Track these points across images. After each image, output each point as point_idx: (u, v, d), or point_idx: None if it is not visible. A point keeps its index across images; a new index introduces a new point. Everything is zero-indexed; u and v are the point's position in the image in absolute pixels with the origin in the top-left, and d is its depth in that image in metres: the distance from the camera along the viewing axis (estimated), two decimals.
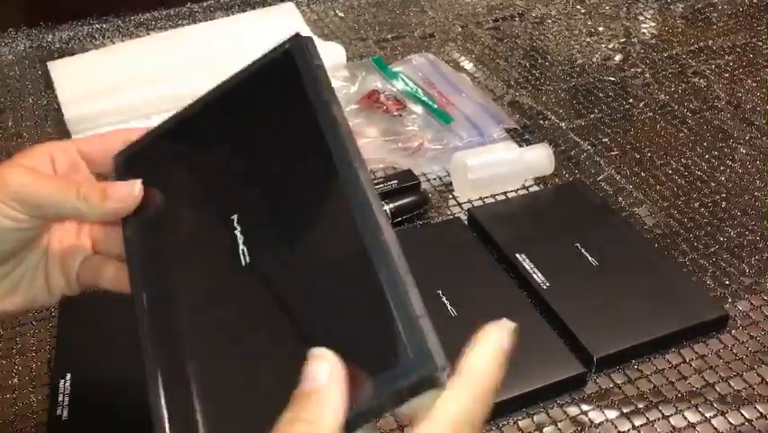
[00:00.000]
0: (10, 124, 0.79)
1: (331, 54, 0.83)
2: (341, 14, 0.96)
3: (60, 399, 0.48)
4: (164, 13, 0.95)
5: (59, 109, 0.78)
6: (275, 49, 0.37)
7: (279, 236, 0.33)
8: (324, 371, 0.27)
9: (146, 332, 0.34)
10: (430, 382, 0.27)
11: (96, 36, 0.92)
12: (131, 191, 0.37)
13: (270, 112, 0.36)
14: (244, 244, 0.33)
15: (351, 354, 0.27)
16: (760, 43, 0.89)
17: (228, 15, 0.95)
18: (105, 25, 0.93)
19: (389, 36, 0.92)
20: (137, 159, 0.39)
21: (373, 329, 0.28)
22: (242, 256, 0.33)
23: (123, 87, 0.78)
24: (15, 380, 0.52)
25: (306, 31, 0.90)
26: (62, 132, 0.76)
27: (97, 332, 0.53)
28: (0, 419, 0.49)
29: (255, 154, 0.36)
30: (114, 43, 0.90)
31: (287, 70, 0.36)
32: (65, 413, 0.47)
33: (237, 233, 0.34)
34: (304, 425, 0.26)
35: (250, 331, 0.32)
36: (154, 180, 0.38)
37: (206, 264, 0.35)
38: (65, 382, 0.49)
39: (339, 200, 0.31)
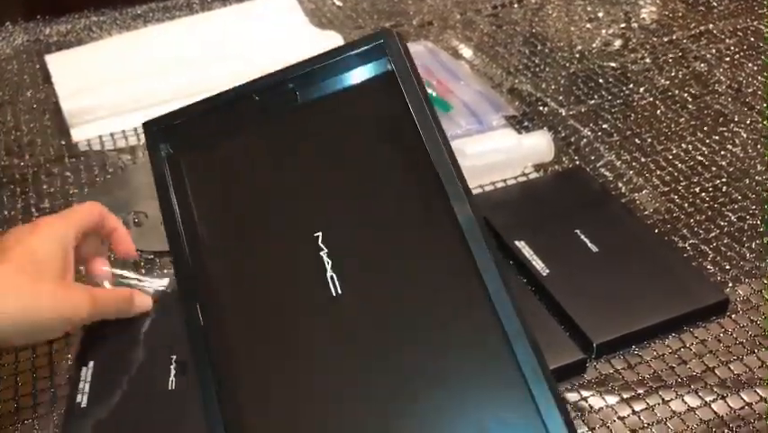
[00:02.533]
0: (9, 117, 0.79)
1: (329, 43, 0.83)
2: (339, 3, 0.95)
3: (81, 386, 0.48)
4: (161, 4, 0.95)
5: (57, 102, 0.78)
6: (360, 45, 0.33)
7: (376, 266, 0.29)
8: None
9: (204, 347, 0.32)
10: None
11: (94, 29, 0.92)
12: (148, 303, 0.52)
13: (361, 118, 0.32)
14: (333, 270, 0.29)
15: None
16: (761, 27, 0.89)
17: (226, 6, 0.94)
18: (102, 18, 0.93)
19: (388, 24, 0.91)
20: (175, 134, 0.36)
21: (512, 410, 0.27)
22: (331, 285, 0.29)
23: (121, 79, 0.78)
24: (19, 372, 0.52)
25: (303, 20, 0.89)
26: (61, 125, 0.76)
27: (123, 322, 0.53)
28: (4, 411, 0.50)
29: (340, 164, 0.32)
30: (111, 36, 0.90)
31: (379, 69, 0.32)
32: (84, 400, 0.47)
33: (323, 255, 0.30)
34: None
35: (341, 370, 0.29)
36: (202, 167, 0.35)
37: (288, 286, 0.31)
38: (87, 370, 0.49)
39: (450, 234, 0.29)
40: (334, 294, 0.29)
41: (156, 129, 0.37)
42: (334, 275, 0.29)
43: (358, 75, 0.34)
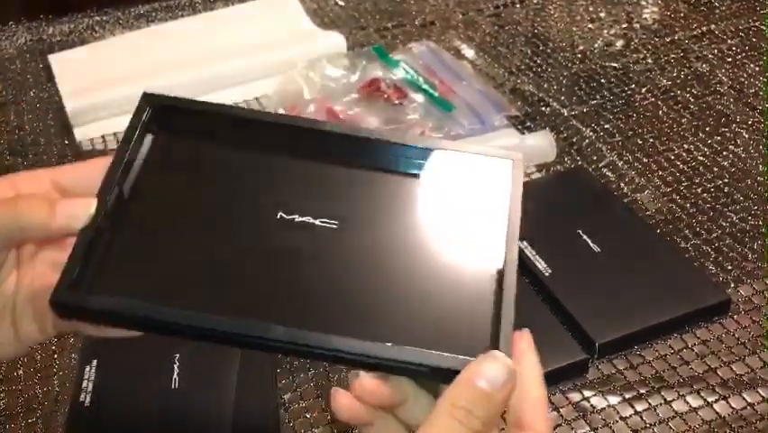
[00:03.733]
0: (12, 117, 0.79)
1: (331, 43, 0.83)
2: (341, 3, 0.96)
3: (85, 384, 0.48)
4: (164, 4, 0.95)
5: (60, 102, 0.78)
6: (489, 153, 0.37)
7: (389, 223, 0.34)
8: (502, 375, 0.29)
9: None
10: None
11: (97, 29, 0.92)
12: (85, 209, 0.32)
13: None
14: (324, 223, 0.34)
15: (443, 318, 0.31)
16: (763, 27, 0.89)
17: (228, 6, 0.94)
18: (105, 18, 0.93)
19: (390, 24, 0.91)
20: (171, 116, 0.37)
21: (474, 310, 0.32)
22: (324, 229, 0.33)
23: (125, 79, 0.78)
24: (21, 371, 0.52)
25: (305, 20, 0.89)
26: (64, 125, 0.76)
27: None
28: (7, 410, 0.50)
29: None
30: (114, 35, 0.90)
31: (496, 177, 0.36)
32: (88, 399, 0.48)
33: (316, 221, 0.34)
34: (473, 419, 0.28)
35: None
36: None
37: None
38: (91, 369, 0.49)
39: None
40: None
41: (155, 105, 0.37)
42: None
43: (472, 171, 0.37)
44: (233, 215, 0.35)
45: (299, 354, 0.31)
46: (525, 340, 0.32)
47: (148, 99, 0.37)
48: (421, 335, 0.31)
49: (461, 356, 0.30)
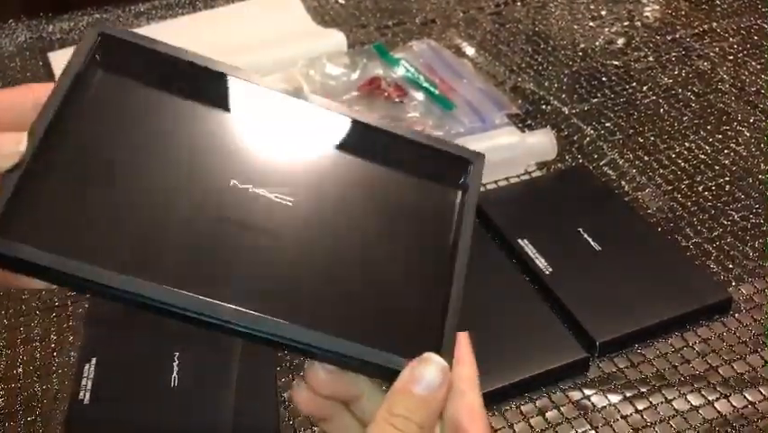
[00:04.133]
0: None
1: (331, 41, 0.83)
2: (341, 1, 0.95)
3: (84, 382, 0.48)
4: (164, 2, 0.95)
5: None
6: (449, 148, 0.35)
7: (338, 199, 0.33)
8: (437, 378, 0.29)
9: None
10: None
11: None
12: (14, 147, 0.28)
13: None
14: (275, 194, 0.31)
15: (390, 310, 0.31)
16: (765, 25, 0.88)
17: (229, 4, 0.94)
18: (104, 15, 0.93)
19: (390, 22, 0.91)
20: (121, 53, 0.33)
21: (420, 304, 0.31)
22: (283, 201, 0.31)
23: None
24: (20, 369, 0.52)
25: (306, 18, 0.89)
26: None
27: (125, 318, 0.52)
28: (6, 409, 0.50)
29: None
30: None
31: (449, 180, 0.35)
32: (87, 397, 0.47)
33: (258, 191, 0.31)
34: (411, 425, 0.28)
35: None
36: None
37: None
38: (90, 367, 0.49)
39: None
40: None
41: (107, 40, 0.33)
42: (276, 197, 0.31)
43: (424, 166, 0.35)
44: (181, 174, 0.31)
45: (233, 334, 0.29)
46: (464, 343, 0.31)
47: (100, 32, 0.33)
48: (365, 328, 0.30)
49: (398, 357, 0.29)
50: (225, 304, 0.28)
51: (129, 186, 0.31)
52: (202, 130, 0.33)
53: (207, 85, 0.34)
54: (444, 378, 0.29)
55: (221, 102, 0.34)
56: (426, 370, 0.29)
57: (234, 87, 0.34)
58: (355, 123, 0.34)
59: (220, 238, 0.30)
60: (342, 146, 0.34)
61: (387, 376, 0.29)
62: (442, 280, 0.32)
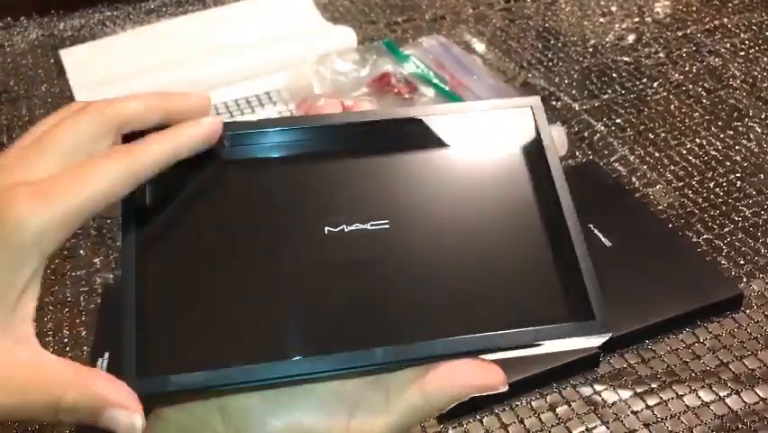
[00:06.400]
0: (24, 111, 0.80)
1: (341, 38, 0.83)
2: None
3: None
4: None
5: (72, 96, 0.79)
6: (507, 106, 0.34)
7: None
8: None
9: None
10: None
11: (107, 24, 0.92)
12: (132, 409, 0.29)
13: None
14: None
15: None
16: None
17: (239, 1, 0.94)
18: (115, 12, 0.93)
19: (400, 19, 0.91)
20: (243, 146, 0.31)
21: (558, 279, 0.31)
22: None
23: (135, 74, 0.78)
24: None
25: (316, 14, 0.89)
26: None
27: None
28: None
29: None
30: (125, 30, 0.90)
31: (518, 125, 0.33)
32: None
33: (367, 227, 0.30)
34: None
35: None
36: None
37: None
38: (103, 361, 0.50)
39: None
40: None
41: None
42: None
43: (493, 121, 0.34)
44: (277, 244, 0.30)
45: (404, 366, 0.29)
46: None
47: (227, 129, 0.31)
48: (510, 315, 0.29)
49: (567, 324, 0.30)
50: (436, 340, 0.28)
51: (235, 276, 0.29)
52: (275, 191, 0.31)
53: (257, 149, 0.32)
54: None
55: (277, 159, 0.32)
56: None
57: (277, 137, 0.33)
58: (404, 120, 0.33)
59: (356, 288, 0.29)
60: (407, 147, 0.33)
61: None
62: (560, 241, 0.31)
